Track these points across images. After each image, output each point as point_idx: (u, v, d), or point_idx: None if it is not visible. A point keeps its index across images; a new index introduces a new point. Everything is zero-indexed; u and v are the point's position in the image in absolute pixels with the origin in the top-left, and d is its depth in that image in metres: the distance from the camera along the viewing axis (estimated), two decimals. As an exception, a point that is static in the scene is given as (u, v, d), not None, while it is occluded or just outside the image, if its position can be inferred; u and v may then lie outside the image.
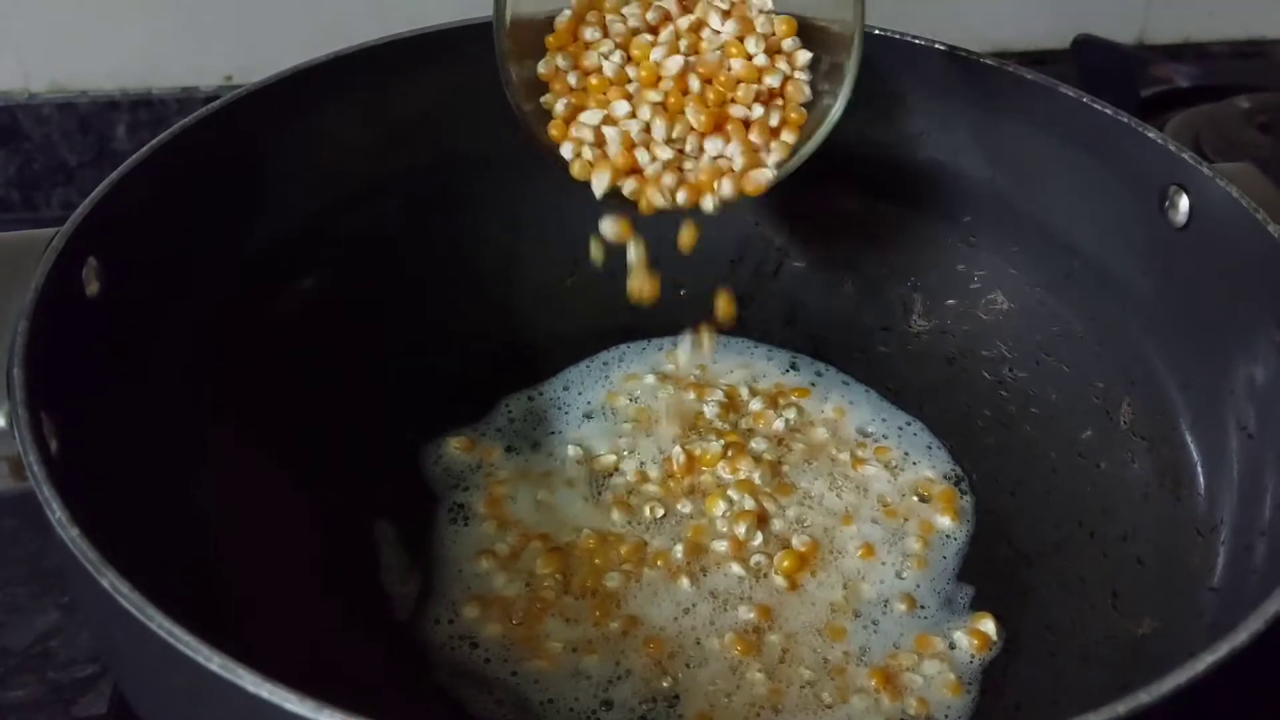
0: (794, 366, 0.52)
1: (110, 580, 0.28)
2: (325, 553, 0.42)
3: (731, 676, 0.40)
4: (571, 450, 0.48)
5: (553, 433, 0.49)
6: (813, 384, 0.51)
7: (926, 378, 0.51)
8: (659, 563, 0.43)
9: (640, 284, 0.44)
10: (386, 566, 0.43)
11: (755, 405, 0.50)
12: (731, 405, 0.50)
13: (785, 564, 0.43)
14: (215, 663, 0.26)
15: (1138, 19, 0.76)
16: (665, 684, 0.40)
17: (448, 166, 0.51)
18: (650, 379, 0.51)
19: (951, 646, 0.41)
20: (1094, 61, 0.72)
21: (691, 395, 0.50)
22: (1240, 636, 0.29)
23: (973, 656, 0.41)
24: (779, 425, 0.49)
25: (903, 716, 0.39)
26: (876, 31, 0.50)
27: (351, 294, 0.49)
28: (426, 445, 0.47)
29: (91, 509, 0.30)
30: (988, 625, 0.42)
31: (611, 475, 0.47)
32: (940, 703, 0.40)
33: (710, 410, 0.49)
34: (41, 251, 0.36)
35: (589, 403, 0.50)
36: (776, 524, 0.45)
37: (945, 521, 0.45)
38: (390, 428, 0.47)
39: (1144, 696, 0.28)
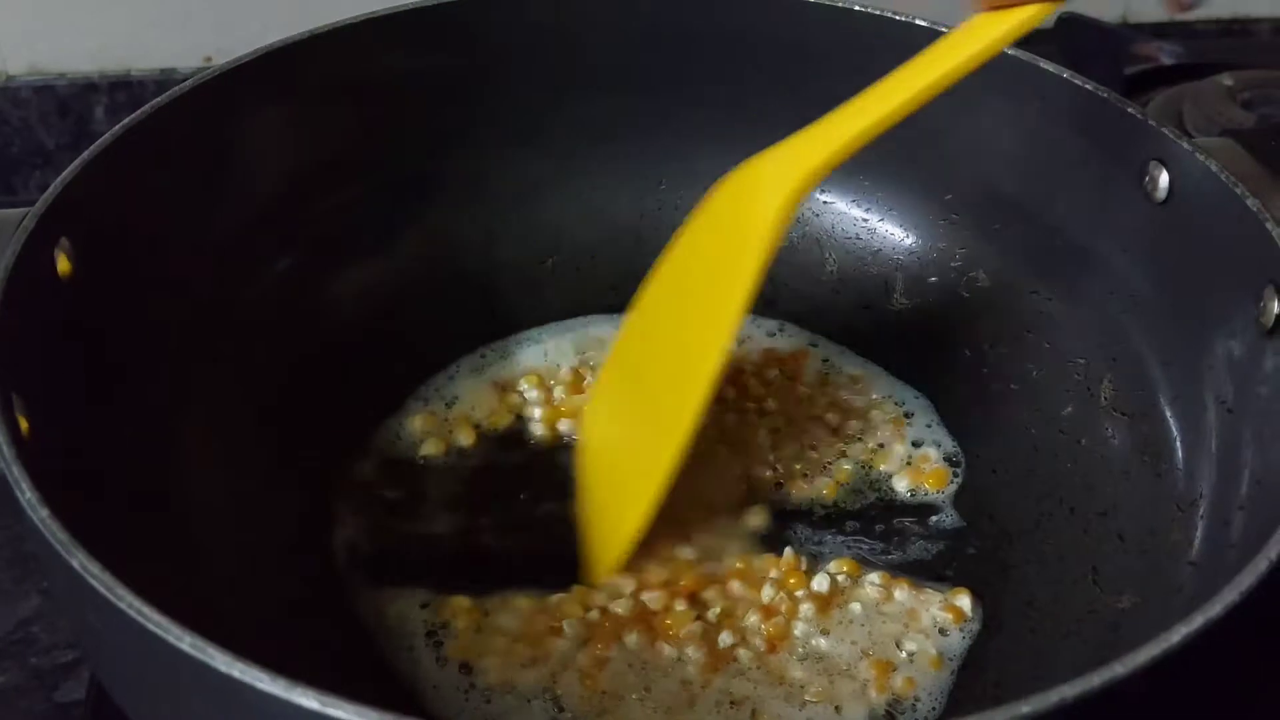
0: (780, 331, 0.52)
1: (80, 561, 0.28)
2: (300, 533, 0.42)
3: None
4: (527, 397, 0.48)
5: (503, 391, 0.48)
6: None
7: (908, 356, 0.51)
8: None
9: None
10: (355, 546, 0.43)
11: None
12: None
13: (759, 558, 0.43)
14: (186, 642, 0.26)
15: (1122, -3, 0.76)
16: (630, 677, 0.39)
17: (426, 146, 0.51)
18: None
19: (934, 624, 0.41)
20: (1078, 40, 0.71)
21: None
22: (1215, 609, 0.29)
23: (961, 633, 0.41)
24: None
25: (887, 695, 0.39)
26: (856, 8, 0.50)
27: (328, 275, 0.48)
28: (390, 421, 0.47)
29: (62, 491, 0.30)
30: (963, 601, 0.42)
31: (554, 431, 0.47)
32: (922, 680, 0.40)
33: None
34: (13, 232, 0.36)
35: (536, 364, 0.49)
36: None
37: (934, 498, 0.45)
38: (367, 407, 0.47)
39: (1119, 668, 0.28)
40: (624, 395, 0.43)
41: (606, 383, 0.45)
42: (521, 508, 0.45)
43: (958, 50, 0.36)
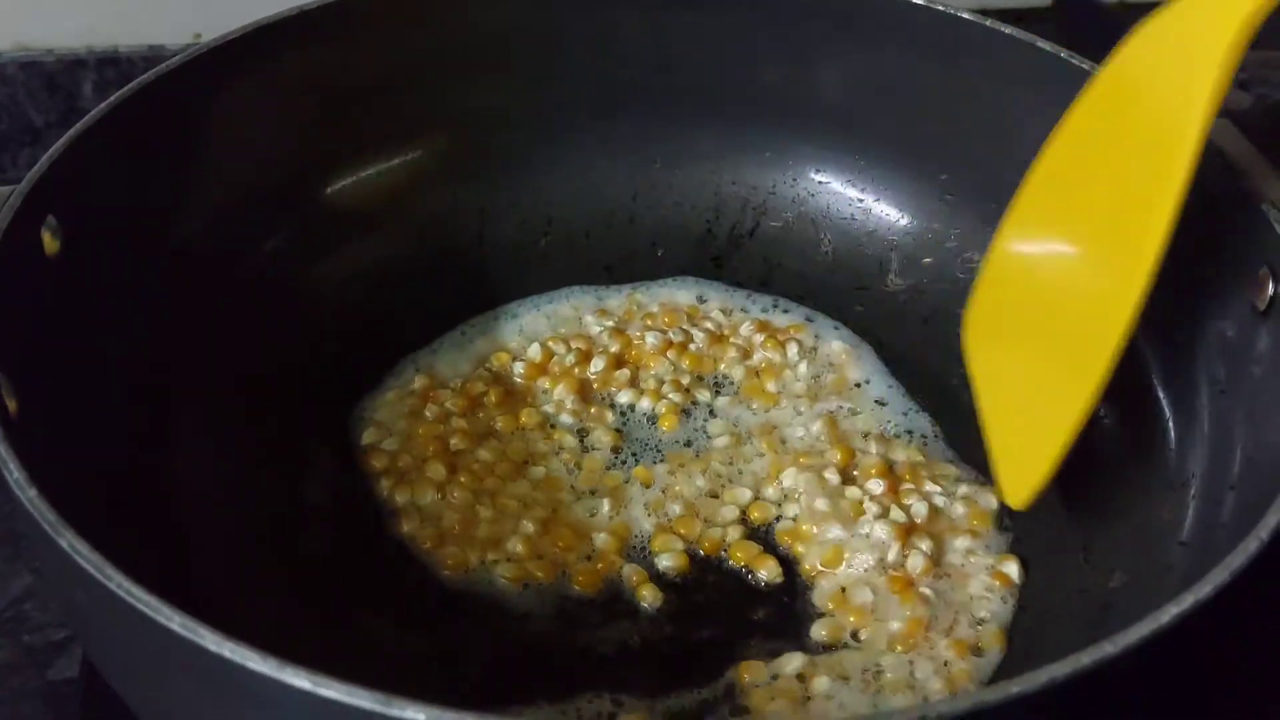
0: (777, 306, 0.52)
1: (69, 541, 0.28)
2: (291, 510, 0.42)
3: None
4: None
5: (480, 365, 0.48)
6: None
7: (903, 337, 0.51)
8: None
9: None
10: (345, 520, 0.43)
11: (745, 330, 0.50)
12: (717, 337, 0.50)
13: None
14: (176, 622, 0.26)
15: (1120, -25, 0.76)
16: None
17: (417, 126, 0.50)
18: (590, 317, 0.50)
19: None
20: (1076, 20, 0.71)
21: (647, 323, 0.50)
22: (1205, 589, 0.29)
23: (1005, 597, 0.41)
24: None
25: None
26: (851, -14, 0.50)
27: (318, 255, 0.48)
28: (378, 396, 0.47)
29: (51, 470, 0.30)
30: (1010, 567, 0.41)
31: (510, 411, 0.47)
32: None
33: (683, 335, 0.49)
34: (-1, 210, 0.36)
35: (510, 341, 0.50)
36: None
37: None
38: (359, 383, 0.47)
39: (1109, 648, 0.28)
40: (1021, 308, 0.39)
41: (992, 287, 0.40)
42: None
43: None
